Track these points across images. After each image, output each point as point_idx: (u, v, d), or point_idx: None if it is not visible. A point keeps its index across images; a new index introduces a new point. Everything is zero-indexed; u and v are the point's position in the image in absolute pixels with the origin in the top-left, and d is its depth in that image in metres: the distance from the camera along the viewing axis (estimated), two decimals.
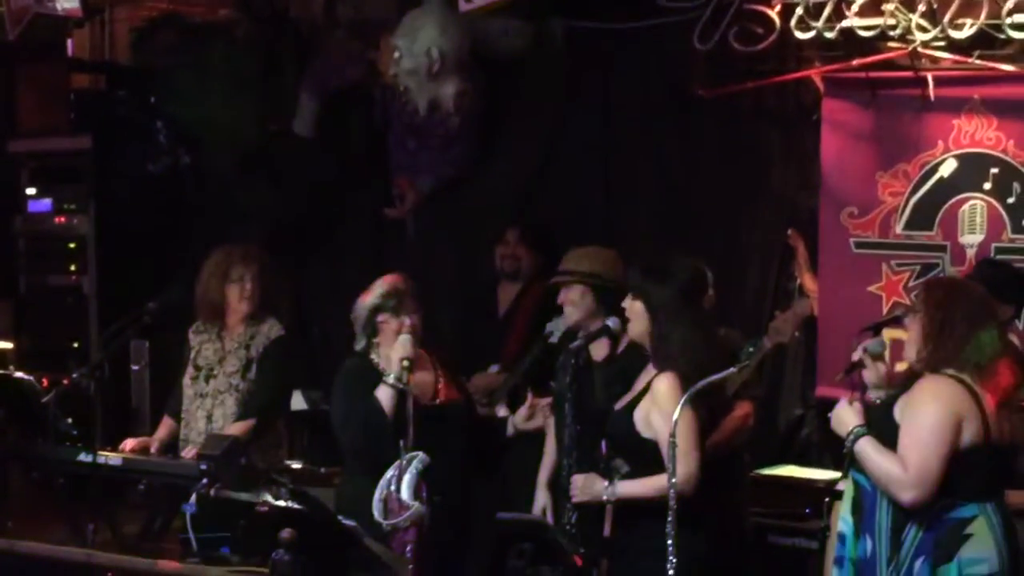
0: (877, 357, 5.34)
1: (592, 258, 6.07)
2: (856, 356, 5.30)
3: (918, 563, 4.84)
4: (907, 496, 4.82)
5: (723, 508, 5.76)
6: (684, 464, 5.20)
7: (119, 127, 8.71)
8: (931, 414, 4.83)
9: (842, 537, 5.09)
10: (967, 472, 4.84)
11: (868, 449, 4.89)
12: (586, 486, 5.49)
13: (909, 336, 5.01)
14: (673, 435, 5.07)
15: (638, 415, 5.41)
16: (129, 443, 6.57)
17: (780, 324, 6.64)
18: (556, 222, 7.86)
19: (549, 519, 6.03)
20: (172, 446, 6.66)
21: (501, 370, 7.41)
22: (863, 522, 5.00)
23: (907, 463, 4.81)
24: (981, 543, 4.83)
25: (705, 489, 5.33)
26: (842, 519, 5.12)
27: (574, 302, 5.99)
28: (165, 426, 6.77)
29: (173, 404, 6.78)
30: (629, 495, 5.39)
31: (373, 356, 6.05)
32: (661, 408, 5.29)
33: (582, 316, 5.99)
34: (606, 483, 5.43)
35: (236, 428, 6.49)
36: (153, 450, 6.59)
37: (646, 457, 5.34)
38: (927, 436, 4.81)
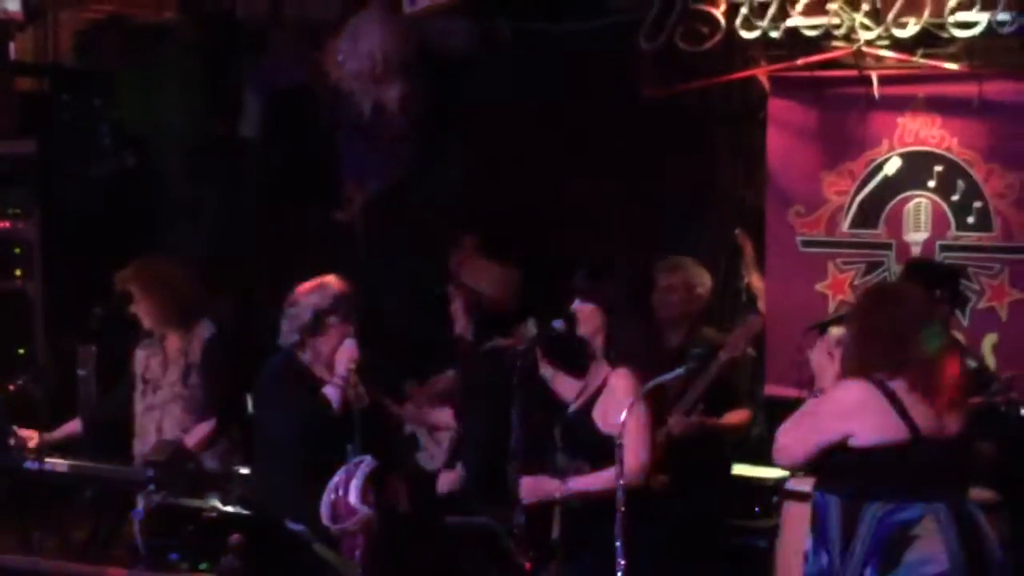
0: None
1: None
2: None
3: (867, 571, 4.86)
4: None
5: (694, 502, 5.86)
6: (636, 456, 5.26)
7: (64, 130, 8.64)
8: (824, 401, 5.00)
9: (806, 555, 5.10)
10: (892, 471, 4.87)
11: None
12: (536, 487, 5.50)
13: (844, 343, 5.11)
14: (620, 432, 5.09)
15: (597, 412, 5.46)
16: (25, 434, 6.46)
17: (733, 339, 6.70)
18: (503, 222, 7.84)
19: None
20: (63, 446, 6.58)
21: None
22: (819, 537, 5.03)
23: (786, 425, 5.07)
24: (928, 543, 4.84)
25: (674, 481, 5.42)
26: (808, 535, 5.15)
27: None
28: (69, 427, 6.77)
29: (93, 412, 6.77)
30: (583, 490, 5.42)
31: (301, 354, 6.05)
32: (621, 402, 5.28)
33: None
34: (558, 482, 5.45)
35: (198, 431, 6.54)
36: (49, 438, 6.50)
37: (608, 454, 5.31)
38: (807, 415, 5.03)
